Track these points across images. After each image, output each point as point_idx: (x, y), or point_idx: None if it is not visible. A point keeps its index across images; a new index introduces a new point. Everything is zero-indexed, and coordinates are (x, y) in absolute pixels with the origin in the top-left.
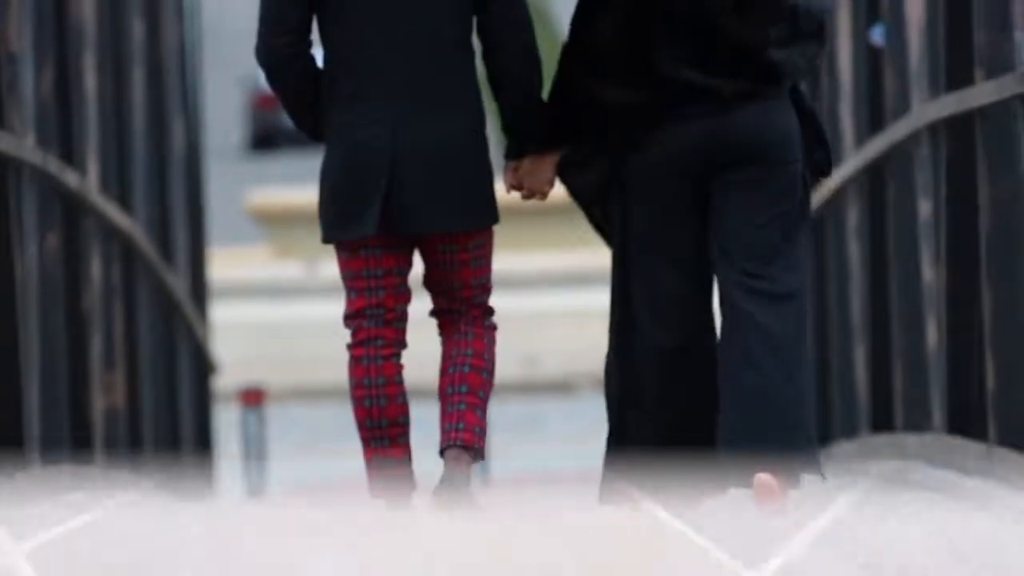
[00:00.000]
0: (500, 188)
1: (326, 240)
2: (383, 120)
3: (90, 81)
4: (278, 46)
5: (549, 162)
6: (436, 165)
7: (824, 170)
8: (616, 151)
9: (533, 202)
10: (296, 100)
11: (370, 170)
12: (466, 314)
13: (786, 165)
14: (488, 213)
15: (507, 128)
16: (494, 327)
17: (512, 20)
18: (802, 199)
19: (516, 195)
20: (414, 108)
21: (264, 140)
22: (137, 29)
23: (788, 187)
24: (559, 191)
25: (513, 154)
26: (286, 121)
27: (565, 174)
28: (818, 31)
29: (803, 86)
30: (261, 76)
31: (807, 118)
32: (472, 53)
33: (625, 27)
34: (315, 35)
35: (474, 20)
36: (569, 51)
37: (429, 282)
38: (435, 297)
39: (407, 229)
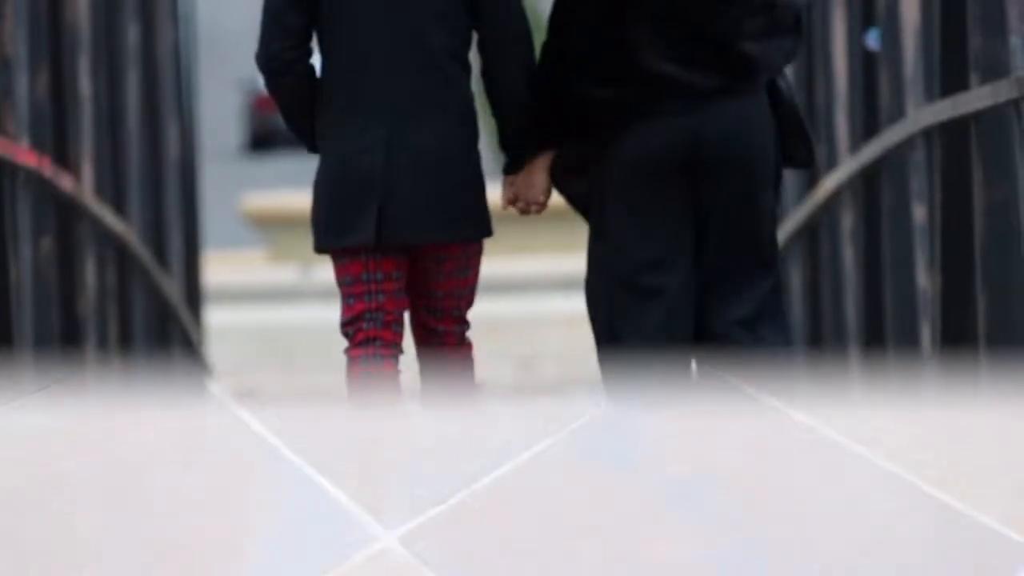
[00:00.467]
0: (493, 199)
1: (322, 248)
2: (378, 129)
3: (85, 84)
4: (279, 52)
5: (541, 168)
6: (431, 176)
7: (807, 163)
8: (598, 148)
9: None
10: (295, 106)
11: (366, 179)
12: (442, 335)
13: (763, 162)
14: (483, 224)
15: (504, 143)
16: (469, 346)
17: (510, 37)
18: (776, 196)
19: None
20: (409, 118)
21: (263, 141)
22: (132, 32)
23: (765, 183)
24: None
25: (510, 169)
26: (282, 124)
27: (560, 181)
28: (795, 24)
29: (784, 82)
30: (260, 78)
31: (787, 112)
32: (467, 66)
33: (603, 22)
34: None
35: (473, 35)
36: (550, 48)
37: (413, 290)
38: (415, 310)
39: (403, 239)
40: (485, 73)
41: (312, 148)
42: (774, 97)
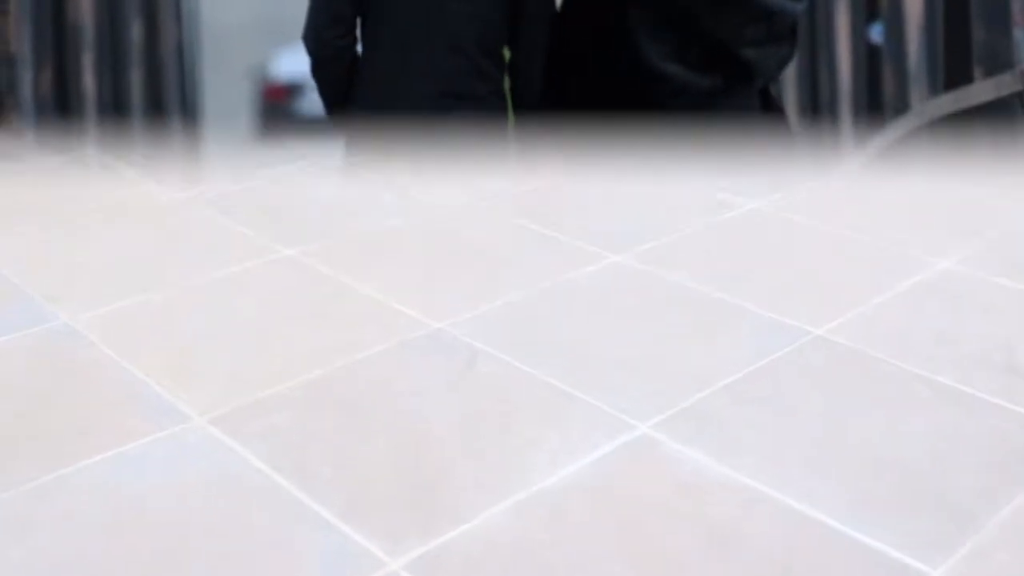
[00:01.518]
0: None
1: None
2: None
3: (89, 82)
4: (330, 38)
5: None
6: None
7: None
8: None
9: None
10: (335, 91)
11: None
12: None
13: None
14: None
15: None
16: None
17: (534, 50)
18: None
19: None
20: (447, 109)
21: (272, 131)
22: (135, 29)
23: None
24: None
25: None
26: (294, 110)
27: None
28: (790, 33)
29: (775, 88)
30: (269, 66)
31: (777, 119)
32: (502, 60)
33: (607, 23)
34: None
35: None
36: (554, 46)
37: None
38: None
39: None
40: (510, 67)
41: (341, 127)
42: (765, 103)
